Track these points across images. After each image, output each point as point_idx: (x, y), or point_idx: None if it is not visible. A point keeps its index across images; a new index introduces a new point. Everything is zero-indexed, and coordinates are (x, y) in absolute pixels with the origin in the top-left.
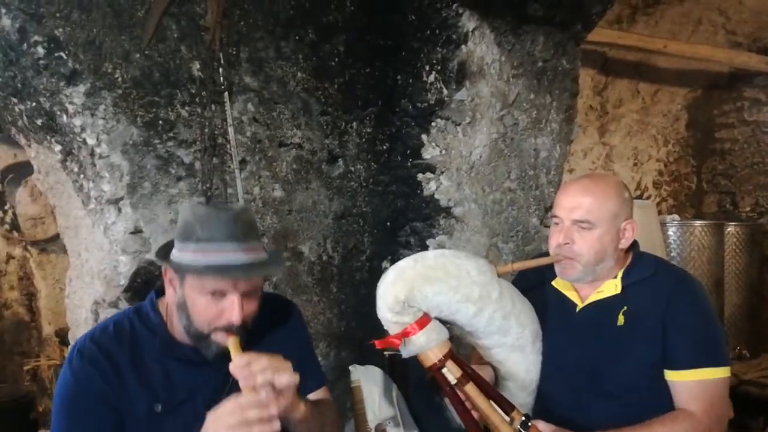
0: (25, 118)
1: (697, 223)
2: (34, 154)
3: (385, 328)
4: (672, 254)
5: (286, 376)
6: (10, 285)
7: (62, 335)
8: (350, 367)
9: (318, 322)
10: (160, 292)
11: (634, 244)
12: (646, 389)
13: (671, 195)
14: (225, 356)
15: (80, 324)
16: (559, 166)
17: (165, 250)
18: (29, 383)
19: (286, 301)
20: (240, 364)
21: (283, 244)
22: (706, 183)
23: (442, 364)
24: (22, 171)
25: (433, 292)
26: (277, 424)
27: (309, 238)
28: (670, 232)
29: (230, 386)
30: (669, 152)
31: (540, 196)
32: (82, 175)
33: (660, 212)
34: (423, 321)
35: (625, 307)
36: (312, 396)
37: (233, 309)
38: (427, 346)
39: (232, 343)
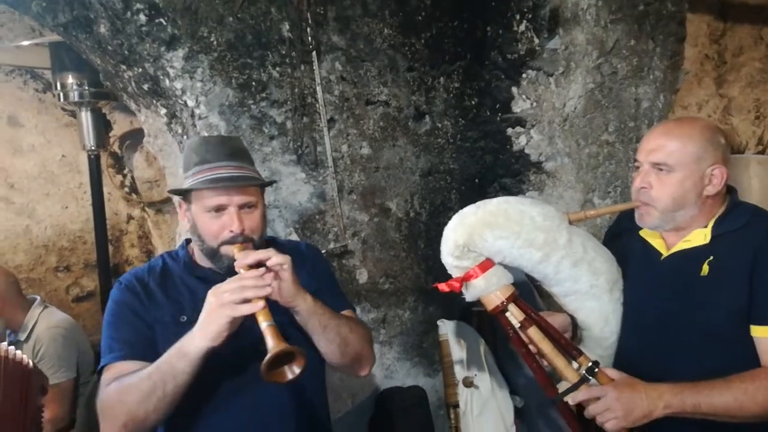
0: (133, 83)
1: None
2: (144, 118)
3: (448, 272)
4: None
5: (278, 257)
6: (131, 243)
7: None
8: (438, 322)
9: (405, 277)
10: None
11: (732, 193)
12: (728, 343)
13: None
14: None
15: None
16: (663, 117)
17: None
18: None
19: (304, 244)
20: (240, 256)
21: (370, 200)
22: None
23: (504, 307)
24: (137, 137)
25: (494, 236)
26: (268, 290)
27: (396, 195)
28: None
29: None
30: None
31: None
32: (185, 137)
33: None
34: (485, 265)
35: (711, 257)
36: None
37: (233, 219)
38: (487, 289)
39: (237, 248)
